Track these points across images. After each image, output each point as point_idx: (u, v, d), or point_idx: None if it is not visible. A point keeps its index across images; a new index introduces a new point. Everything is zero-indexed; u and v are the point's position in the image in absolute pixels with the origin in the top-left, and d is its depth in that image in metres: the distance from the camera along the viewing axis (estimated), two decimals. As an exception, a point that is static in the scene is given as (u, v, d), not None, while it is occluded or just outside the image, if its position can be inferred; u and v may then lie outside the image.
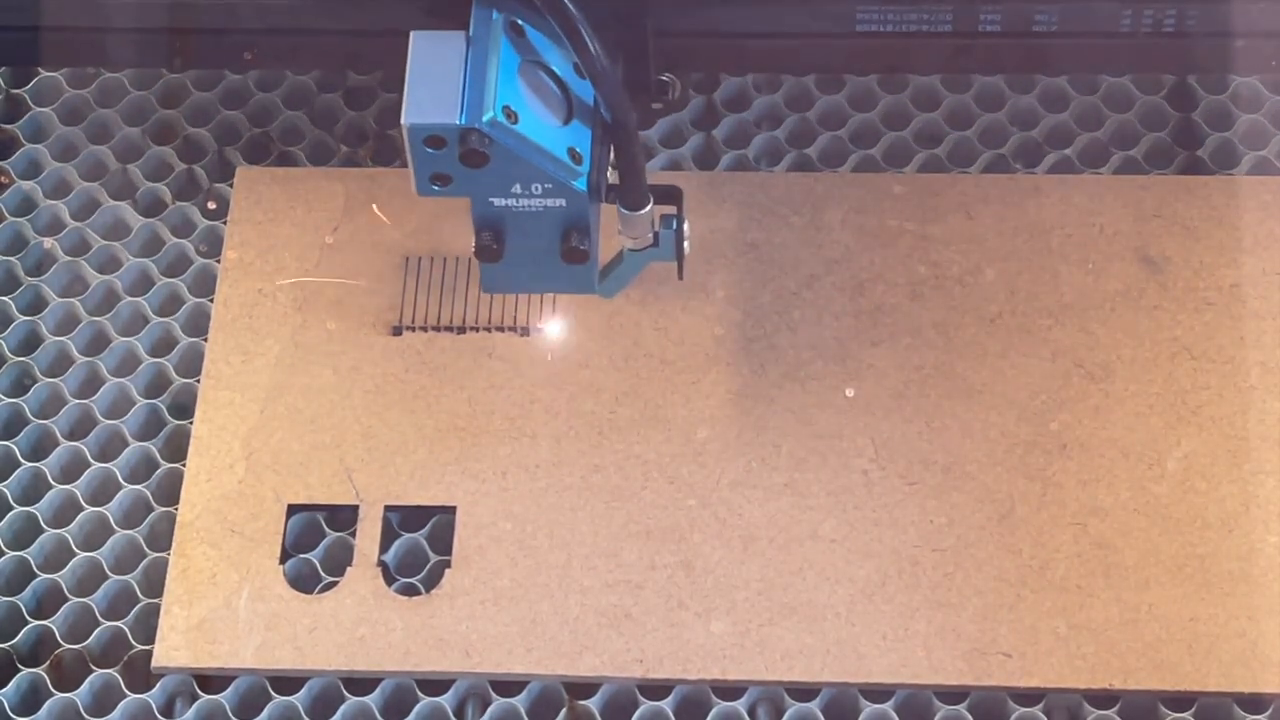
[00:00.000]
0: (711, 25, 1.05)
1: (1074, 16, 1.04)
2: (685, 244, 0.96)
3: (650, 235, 0.95)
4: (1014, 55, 1.07)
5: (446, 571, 1.03)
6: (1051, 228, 1.11)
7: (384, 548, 1.04)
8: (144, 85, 1.20)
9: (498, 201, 0.89)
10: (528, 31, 0.88)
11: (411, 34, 0.87)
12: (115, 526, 1.07)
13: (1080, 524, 1.03)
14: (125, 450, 1.09)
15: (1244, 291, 1.09)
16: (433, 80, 0.85)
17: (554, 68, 0.89)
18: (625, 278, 0.98)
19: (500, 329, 1.09)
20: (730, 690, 1.01)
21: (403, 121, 0.85)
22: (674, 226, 0.95)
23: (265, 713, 1.01)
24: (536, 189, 0.89)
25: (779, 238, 1.11)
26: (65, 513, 1.08)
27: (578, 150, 0.88)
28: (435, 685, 1.02)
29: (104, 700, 1.02)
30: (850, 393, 1.07)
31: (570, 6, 0.84)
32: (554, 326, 1.09)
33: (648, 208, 0.93)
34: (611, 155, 0.92)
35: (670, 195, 0.95)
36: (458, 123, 0.84)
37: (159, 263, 1.14)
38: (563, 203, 0.89)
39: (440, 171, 0.87)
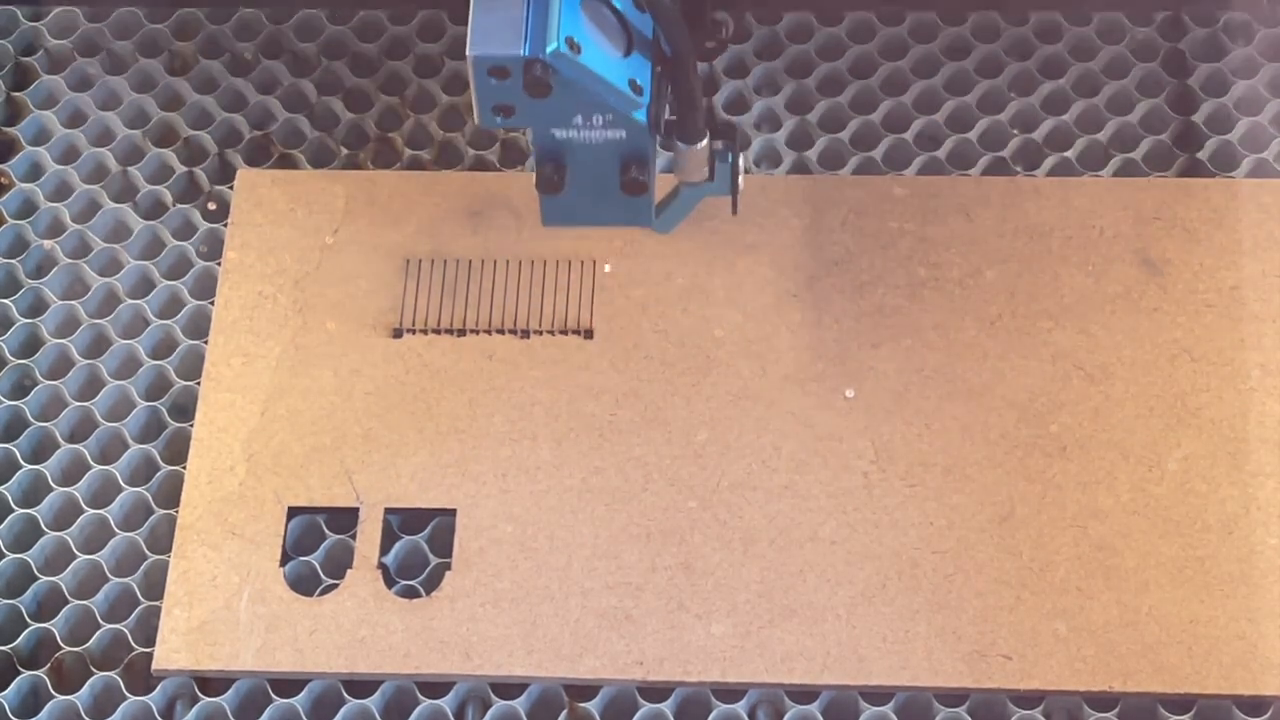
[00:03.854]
0: None
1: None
2: (740, 179, 0.97)
3: (706, 169, 0.96)
4: None
5: (447, 574, 1.03)
6: (1051, 230, 1.11)
7: (384, 550, 1.04)
8: (145, 88, 1.20)
9: (559, 133, 0.91)
10: None
11: None
12: (116, 529, 1.07)
13: (1080, 526, 1.03)
14: (126, 453, 1.09)
15: (1244, 294, 1.09)
16: (496, 12, 0.87)
17: (615, 1, 0.90)
18: (681, 212, 1.00)
19: (501, 331, 1.09)
20: (730, 692, 1.01)
21: (468, 52, 0.87)
22: (729, 160, 0.97)
23: (265, 715, 1.01)
24: (598, 120, 0.91)
25: (779, 240, 1.11)
26: (66, 515, 1.08)
27: (638, 82, 0.91)
28: (435, 687, 1.02)
29: (104, 703, 1.02)
30: (850, 394, 1.07)
31: None
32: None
33: (704, 141, 0.95)
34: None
35: (726, 130, 0.96)
36: (522, 53, 0.86)
37: (160, 265, 1.14)
38: (623, 134, 0.91)
39: (503, 102, 0.89)
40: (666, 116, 0.94)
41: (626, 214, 0.96)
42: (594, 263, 1.11)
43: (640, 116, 0.91)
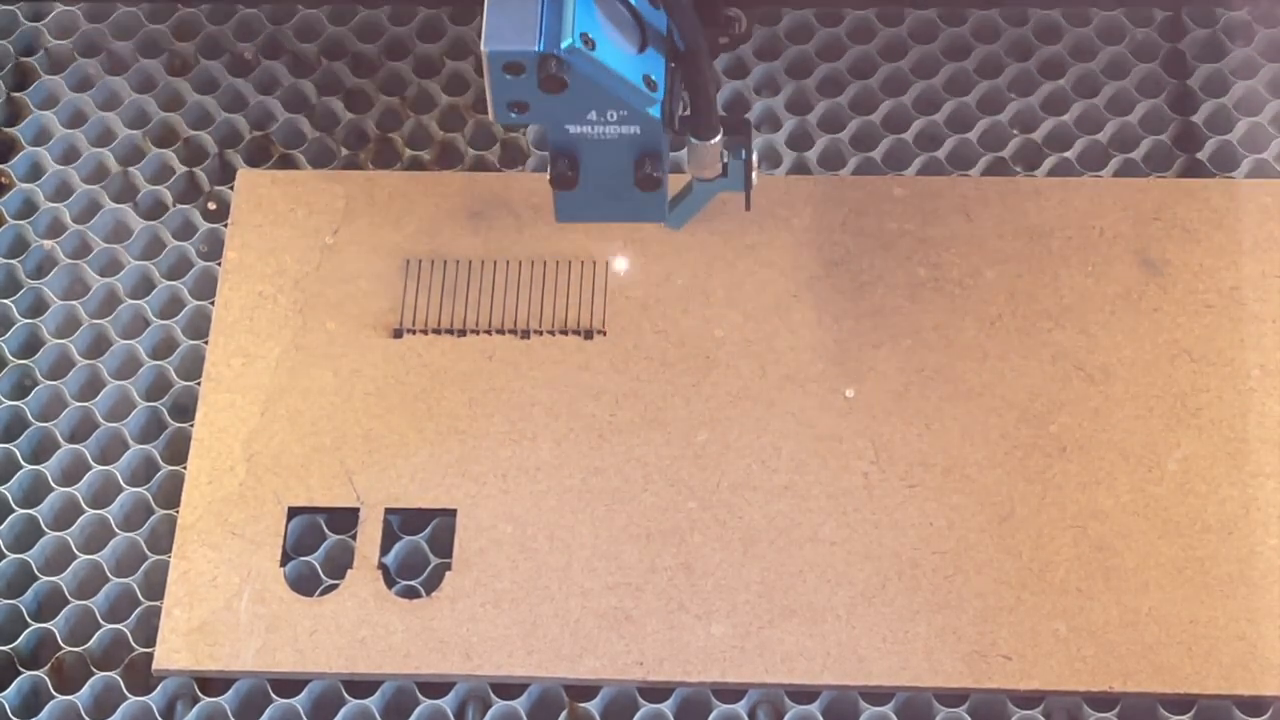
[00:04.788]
0: None
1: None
2: (754, 174, 0.97)
3: (719, 165, 0.96)
4: None
5: (447, 574, 1.03)
6: (1051, 230, 1.11)
7: (384, 550, 1.04)
8: (145, 88, 1.20)
9: (573, 129, 0.91)
10: None
11: None
12: (116, 529, 1.07)
13: (1080, 526, 1.03)
14: (126, 453, 1.09)
15: (1243, 294, 1.09)
16: (511, 8, 0.87)
17: None
18: (694, 208, 1.00)
19: (501, 331, 1.09)
20: (730, 692, 1.01)
21: (483, 48, 0.87)
22: (743, 156, 0.97)
23: (266, 715, 1.01)
24: (612, 116, 0.91)
25: (779, 240, 1.11)
26: (66, 515, 1.08)
27: (653, 77, 0.91)
28: (436, 688, 1.02)
29: (105, 703, 1.02)
30: (850, 395, 1.07)
31: None
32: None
33: (718, 137, 0.95)
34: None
35: (739, 126, 0.96)
36: (537, 49, 0.86)
37: (160, 265, 1.14)
38: (637, 130, 0.91)
39: (518, 99, 0.89)
40: (680, 112, 0.94)
41: (640, 210, 0.96)
42: (594, 263, 1.11)
43: (655, 112, 0.91)
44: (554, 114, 0.91)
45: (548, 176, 0.94)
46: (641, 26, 0.91)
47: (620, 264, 1.10)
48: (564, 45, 0.87)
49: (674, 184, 1.00)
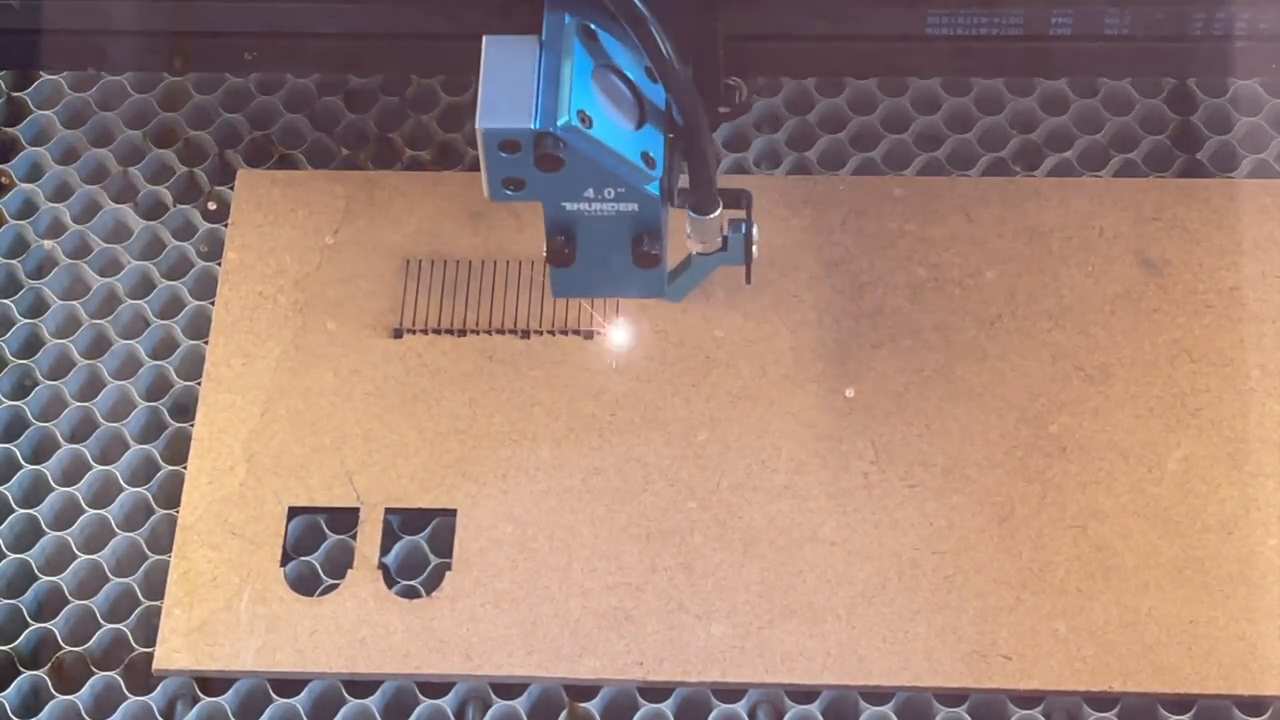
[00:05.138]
0: (781, 28, 1.06)
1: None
2: (754, 248, 0.96)
3: (719, 239, 0.96)
4: (1079, 58, 1.10)
5: (447, 574, 1.03)
6: (1051, 230, 1.11)
7: (385, 550, 1.04)
8: (145, 88, 1.20)
9: (570, 206, 0.90)
10: (600, 35, 0.89)
11: (485, 39, 0.87)
12: (116, 529, 1.07)
13: (1080, 526, 1.03)
14: (126, 453, 1.09)
15: (1243, 294, 1.09)
16: (507, 85, 0.86)
17: (626, 72, 0.89)
18: (693, 281, 0.99)
19: (501, 332, 1.09)
20: (730, 692, 1.01)
21: (478, 126, 0.85)
22: (743, 230, 0.96)
23: (266, 715, 1.01)
24: (610, 193, 0.89)
25: (779, 240, 1.12)
26: (66, 515, 1.08)
27: (651, 154, 0.89)
28: (436, 687, 1.02)
29: (105, 703, 1.02)
30: (850, 395, 1.07)
31: (643, 10, 0.85)
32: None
33: (717, 212, 0.94)
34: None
35: (739, 199, 0.95)
36: (533, 127, 0.85)
37: (160, 265, 1.14)
38: (635, 207, 0.90)
39: (513, 176, 0.87)
40: (679, 186, 0.93)
41: (638, 286, 0.95)
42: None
43: (653, 190, 0.89)
44: (551, 191, 0.89)
45: (544, 253, 0.92)
46: (640, 102, 0.90)
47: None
48: (561, 123, 0.85)
49: (672, 256, 0.99)
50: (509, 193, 0.88)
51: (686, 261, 0.98)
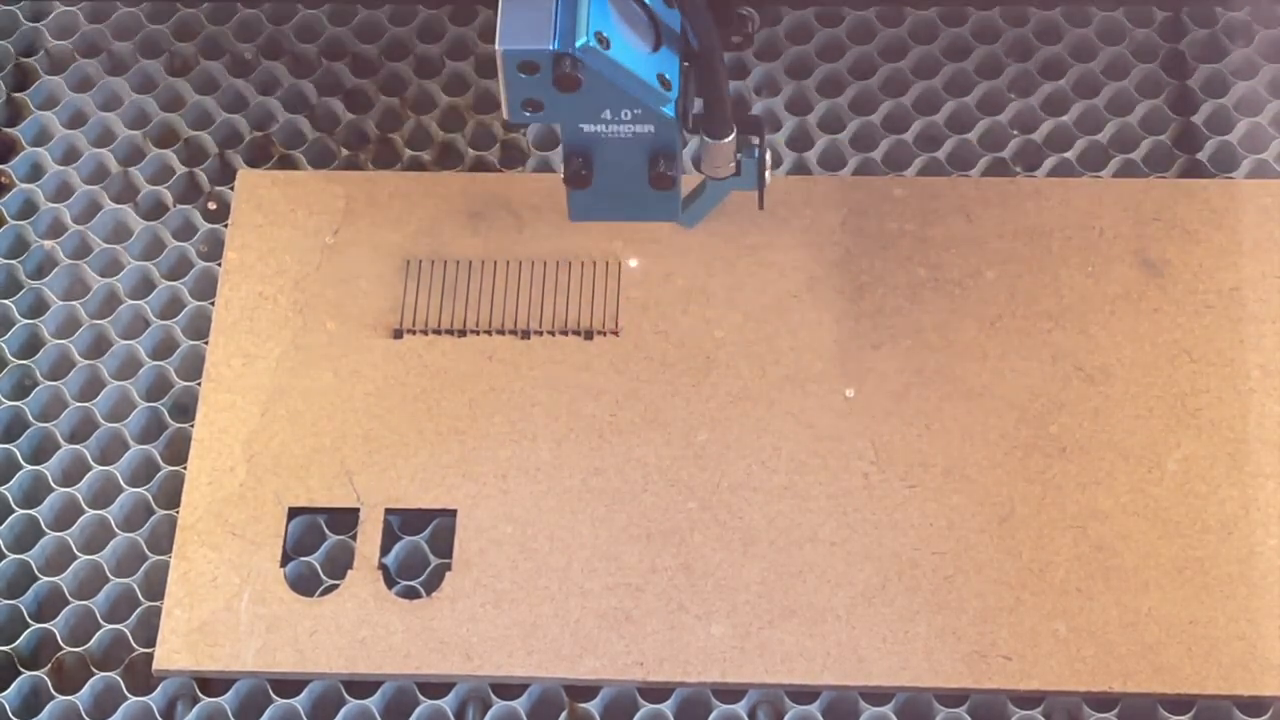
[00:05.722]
0: None
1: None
2: (767, 173, 0.98)
3: (732, 164, 0.97)
4: None
5: (447, 574, 1.03)
6: (1051, 231, 1.11)
7: (385, 550, 1.04)
8: (145, 89, 1.20)
9: (587, 128, 0.92)
10: None
11: None
12: (116, 529, 1.07)
13: (1080, 527, 1.03)
14: (126, 453, 1.09)
15: (1243, 294, 1.09)
16: (526, 7, 0.87)
17: None
18: (707, 206, 1.01)
19: (501, 332, 1.09)
20: (730, 693, 1.01)
21: (498, 47, 0.87)
22: (755, 155, 0.97)
23: (266, 715, 1.01)
24: (626, 115, 0.91)
25: (779, 240, 1.11)
26: (66, 516, 1.08)
27: (667, 76, 0.91)
28: (436, 688, 1.02)
29: (105, 703, 1.02)
30: (850, 395, 1.07)
31: None
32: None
33: (731, 136, 0.95)
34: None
35: (753, 124, 0.96)
36: (551, 48, 0.86)
37: (160, 266, 1.14)
38: (651, 129, 0.91)
39: (532, 97, 0.89)
40: (694, 111, 0.94)
41: (654, 209, 0.97)
42: (595, 264, 1.11)
43: (669, 111, 0.91)
44: (568, 113, 0.91)
45: (562, 175, 0.94)
46: (656, 25, 0.91)
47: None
48: (579, 44, 0.87)
49: (687, 183, 1.00)
50: (528, 114, 0.90)
51: (701, 187, 1.00)
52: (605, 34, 0.88)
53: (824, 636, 1.00)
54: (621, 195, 0.95)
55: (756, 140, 0.98)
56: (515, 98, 0.89)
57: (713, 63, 0.91)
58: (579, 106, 0.90)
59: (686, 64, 0.92)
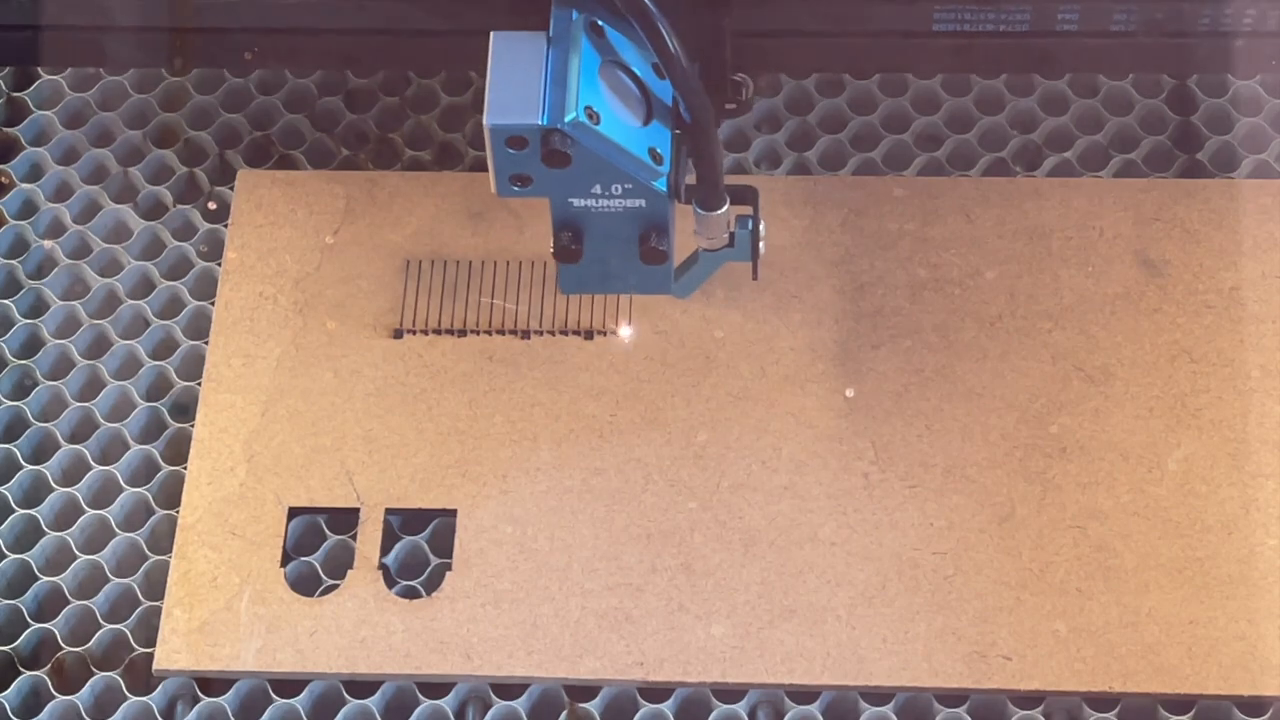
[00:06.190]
0: (786, 24, 1.07)
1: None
2: (761, 244, 0.97)
3: (726, 236, 0.96)
4: (1086, 54, 1.10)
5: (447, 574, 1.03)
6: (1051, 230, 1.11)
7: (385, 550, 1.04)
8: (145, 88, 1.20)
9: (577, 202, 0.90)
10: (607, 32, 0.89)
11: (491, 34, 0.87)
12: (116, 529, 1.07)
13: (1080, 527, 1.03)
14: (126, 453, 1.09)
15: (1244, 294, 1.09)
16: (514, 81, 0.86)
17: (633, 68, 0.89)
18: (700, 278, 1.00)
19: (501, 332, 1.09)
20: (730, 693, 1.01)
21: (485, 122, 0.85)
22: (749, 227, 0.96)
23: (266, 715, 1.01)
24: (617, 189, 0.89)
25: (779, 240, 1.11)
26: (66, 516, 1.08)
27: (658, 150, 0.89)
28: (436, 688, 1.02)
29: (105, 703, 1.03)
30: (850, 395, 1.07)
31: (650, 6, 0.85)
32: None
33: (724, 208, 0.94)
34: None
35: (745, 196, 0.95)
36: (540, 123, 0.85)
37: (160, 265, 1.14)
38: (642, 203, 0.90)
39: (521, 172, 0.88)
40: (686, 182, 0.93)
41: (645, 282, 0.95)
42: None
43: (660, 186, 0.89)
44: (558, 187, 0.89)
45: (551, 250, 0.92)
46: (647, 98, 0.90)
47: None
48: (568, 119, 0.85)
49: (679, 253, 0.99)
50: (516, 189, 0.88)
51: (693, 257, 0.99)
52: (595, 108, 0.86)
53: (824, 637, 1.00)
54: (612, 269, 0.94)
55: (750, 211, 0.97)
56: (503, 172, 0.87)
57: (707, 135, 0.90)
58: (568, 181, 0.88)
59: (679, 132, 0.91)
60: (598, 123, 0.86)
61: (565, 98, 0.85)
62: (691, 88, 0.88)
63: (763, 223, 0.97)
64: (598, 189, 0.89)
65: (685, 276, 0.99)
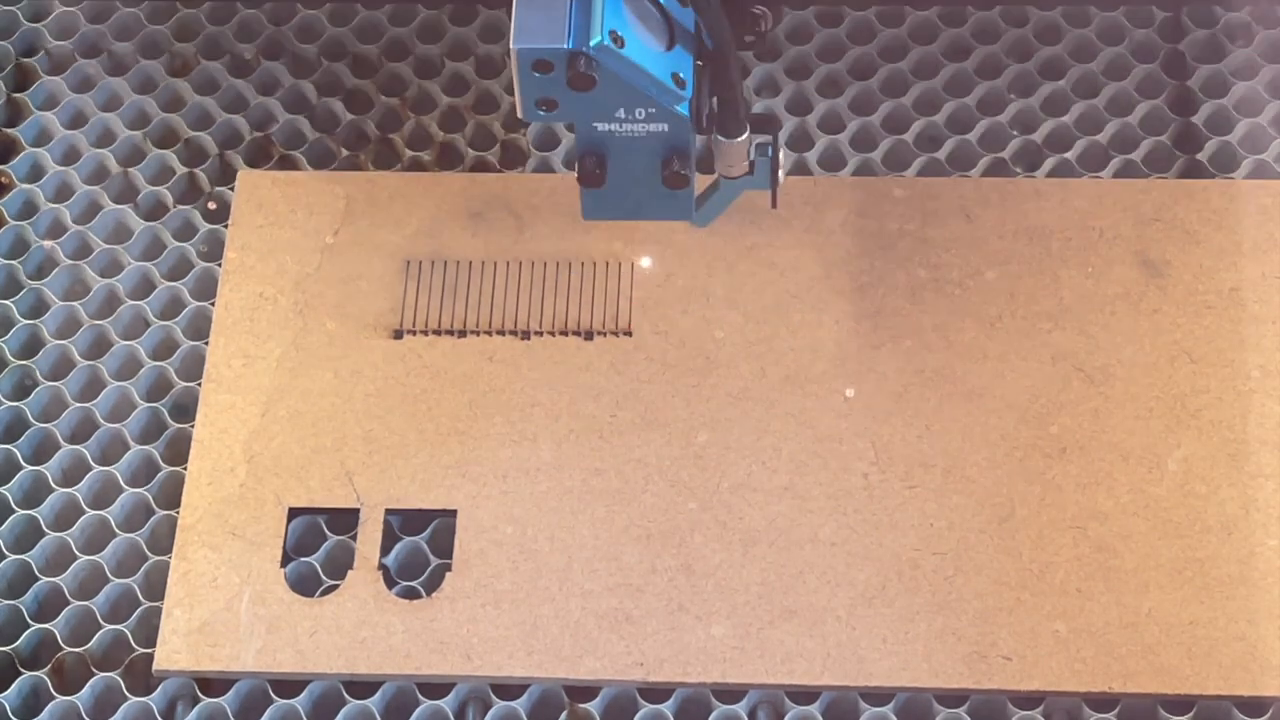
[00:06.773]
0: None
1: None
2: (780, 172, 0.98)
3: (746, 163, 0.97)
4: None
5: (447, 574, 1.03)
6: (1051, 231, 1.11)
7: (385, 551, 1.04)
8: (145, 89, 1.20)
9: (601, 126, 0.91)
10: None
11: None
12: (116, 530, 1.07)
13: (1080, 527, 1.03)
14: (126, 454, 1.09)
15: (1243, 295, 1.09)
16: (540, 6, 0.87)
17: None
18: (720, 206, 1.01)
19: (501, 332, 1.09)
20: (730, 693, 1.01)
21: (511, 46, 0.87)
22: (769, 154, 0.97)
23: (266, 716, 1.01)
24: (640, 114, 0.91)
25: (779, 241, 1.12)
26: (66, 516, 1.08)
27: (681, 75, 0.91)
28: (436, 688, 1.02)
29: (105, 703, 1.03)
30: (850, 395, 1.07)
31: None
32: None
33: (745, 135, 0.95)
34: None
35: (767, 123, 0.96)
36: (566, 47, 0.86)
37: (160, 266, 1.14)
38: (665, 128, 0.91)
39: (546, 96, 0.89)
40: (707, 110, 0.94)
41: (667, 208, 0.97)
42: (594, 264, 1.11)
43: (683, 110, 0.91)
44: (582, 112, 0.91)
45: (575, 174, 0.94)
46: (670, 24, 0.91)
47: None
48: (593, 43, 0.87)
49: (700, 181, 1.00)
50: (542, 113, 0.90)
51: (714, 185, 1.00)
52: (620, 33, 0.88)
53: (824, 637, 1.00)
54: (635, 194, 0.95)
55: (770, 139, 0.98)
56: (529, 96, 0.89)
57: (727, 61, 0.91)
58: (593, 105, 0.90)
59: (700, 63, 0.92)
60: (622, 46, 0.87)
61: (590, 21, 0.87)
62: (713, 14, 0.89)
63: (783, 150, 0.98)
64: (621, 113, 0.91)
65: (705, 205, 1.01)
